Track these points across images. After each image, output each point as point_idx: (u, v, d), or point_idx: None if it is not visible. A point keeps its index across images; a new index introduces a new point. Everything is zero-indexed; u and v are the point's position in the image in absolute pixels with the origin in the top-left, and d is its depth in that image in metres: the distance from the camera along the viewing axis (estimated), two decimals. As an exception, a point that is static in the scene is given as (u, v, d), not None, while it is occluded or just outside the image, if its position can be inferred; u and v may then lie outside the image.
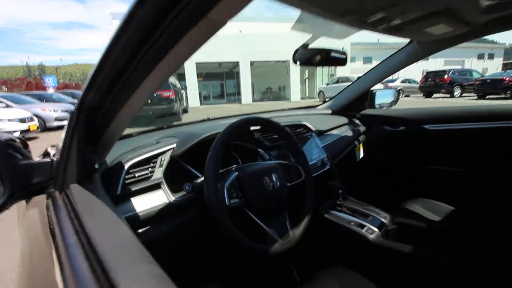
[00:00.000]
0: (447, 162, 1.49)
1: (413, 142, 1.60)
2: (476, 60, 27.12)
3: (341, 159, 1.39)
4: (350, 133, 1.57)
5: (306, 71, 20.15)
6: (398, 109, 1.74)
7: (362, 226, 0.97)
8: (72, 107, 8.04)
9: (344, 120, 1.65)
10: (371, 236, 0.92)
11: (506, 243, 0.82)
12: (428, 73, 13.91)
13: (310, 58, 0.94)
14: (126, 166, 0.71)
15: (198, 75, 15.35)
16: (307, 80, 20.84)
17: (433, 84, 13.28)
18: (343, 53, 1.04)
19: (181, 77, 14.31)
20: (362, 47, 23.82)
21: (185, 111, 10.26)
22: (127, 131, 1.13)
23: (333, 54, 1.01)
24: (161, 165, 0.78)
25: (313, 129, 1.31)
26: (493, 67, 25.48)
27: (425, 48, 1.28)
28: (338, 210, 1.08)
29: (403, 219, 1.04)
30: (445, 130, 1.45)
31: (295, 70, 15.80)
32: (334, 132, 1.48)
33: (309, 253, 1.03)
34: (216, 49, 13.42)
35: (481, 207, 1.32)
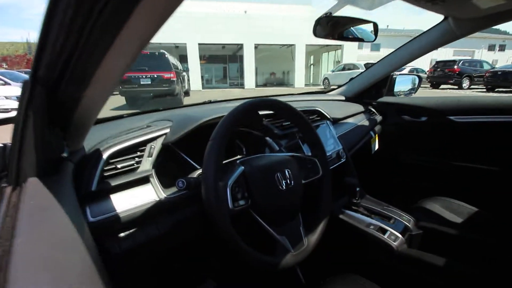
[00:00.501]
0: (475, 159, 1.34)
1: (436, 135, 1.45)
2: (487, 51, 26.28)
3: (356, 152, 1.25)
4: (366, 123, 1.42)
5: (312, 57, 19.59)
6: (419, 97, 1.58)
7: (384, 231, 0.85)
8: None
9: (359, 108, 1.49)
10: (395, 244, 0.80)
11: None
12: (438, 62, 13.49)
13: (334, 28, 0.77)
14: (105, 155, 0.57)
15: (201, 57, 14.91)
16: (312, 66, 20.32)
17: (441, 74, 12.89)
18: (375, 24, 0.87)
19: (183, 59, 13.92)
20: (370, 34, 23.04)
21: (187, 93, 10.03)
22: (118, 112, 0.99)
23: (360, 27, 0.84)
24: (150, 155, 0.64)
25: (328, 116, 1.16)
26: (503, 59, 24.76)
27: (462, 26, 1.10)
28: (354, 210, 0.95)
29: (429, 223, 0.91)
30: (475, 122, 1.30)
31: (300, 55, 15.31)
32: (350, 120, 1.33)
33: (319, 256, 0.91)
34: (220, 28, 12.97)
35: (508, 211, 1.19)
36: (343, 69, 12.76)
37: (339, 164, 1.03)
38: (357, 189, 0.93)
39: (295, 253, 0.60)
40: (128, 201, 0.58)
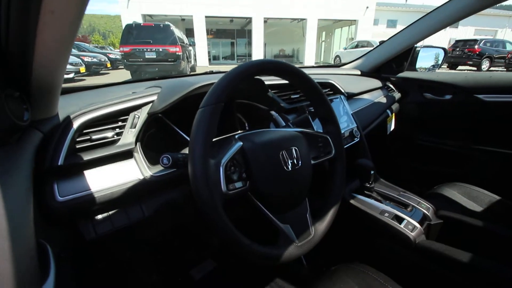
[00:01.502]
0: (502, 143, 1.21)
1: (461, 115, 1.31)
2: (509, 31, 24.60)
3: (370, 131, 1.13)
4: (383, 100, 1.28)
5: (323, 33, 18.69)
6: (445, 73, 1.42)
7: (400, 220, 0.75)
8: (77, 60, 7.68)
9: (376, 83, 1.35)
10: (412, 234, 0.71)
11: None
12: (457, 41, 12.67)
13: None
14: (76, 124, 0.47)
15: (208, 31, 14.35)
16: (323, 43, 19.45)
17: (460, 54, 12.16)
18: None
19: (190, 33, 13.43)
20: (387, 8, 21.68)
21: (193, 69, 9.77)
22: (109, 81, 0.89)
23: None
24: (133, 126, 0.55)
25: (342, 90, 1.03)
26: (529, 40, 23.21)
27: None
28: (367, 195, 0.85)
29: (450, 212, 0.81)
30: (508, 102, 1.15)
31: (311, 30, 14.57)
32: (365, 96, 1.20)
33: (325, 244, 0.84)
34: (228, 0, 12.33)
35: None
36: (356, 46, 12.14)
37: (352, 144, 0.92)
38: (372, 172, 0.82)
39: (300, 243, 0.52)
40: (106, 179, 0.49)
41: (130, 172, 0.52)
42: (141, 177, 0.52)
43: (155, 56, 7.22)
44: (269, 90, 0.78)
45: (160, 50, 7.22)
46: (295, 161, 0.53)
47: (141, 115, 0.56)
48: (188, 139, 0.59)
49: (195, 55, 11.13)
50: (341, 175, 0.64)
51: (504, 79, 1.20)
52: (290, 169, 0.52)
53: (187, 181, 0.46)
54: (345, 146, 0.88)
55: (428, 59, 1.49)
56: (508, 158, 1.20)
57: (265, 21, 14.23)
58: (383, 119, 1.27)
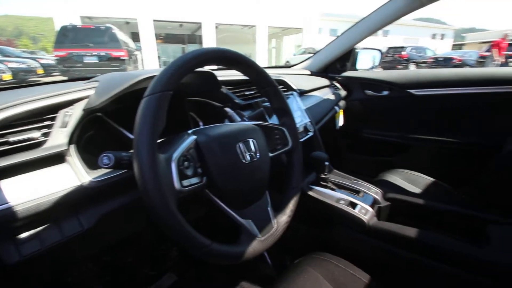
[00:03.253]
0: (432, 131, 1.38)
1: (397, 109, 1.46)
2: (430, 39, 28.78)
3: (322, 126, 1.19)
4: (331, 97, 1.36)
5: (273, 40, 19.41)
6: (381, 72, 1.57)
7: (354, 205, 0.80)
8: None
9: (324, 81, 1.43)
10: (366, 218, 0.75)
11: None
12: (389, 48, 14.35)
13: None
14: None
15: (157, 36, 13.72)
16: (274, 50, 20.17)
17: (392, 60, 13.78)
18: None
19: (136, 37, 12.66)
20: (329, 18, 23.55)
21: (141, 75, 9.20)
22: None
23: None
24: (64, 125, 0.47)
25: (294, 87, 1.06)
26: (443, 47, 27.37)
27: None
28: (323, 185, 0.88)
29: (395, 194, 0.89)
30: (434, 95, 1.32)
31: (261, 37, 15.01)
32: (315, 94, 1.26)
33: (287, 238, 0.84)
34: (177, 4, 11.98)
35: (462, 181, 1.26)
36: (304, 53, 12.89)
37: (307, 138, 0.95)
38: (326, 163, 0.86)
39: (263, 238, 0.50)
40: (30, 188, 0.41)
41: (63, 178, 0.45)
42: (77, 184, 0.45)
43: (96, 61, 6.62)
44: (223, 86, 0.76)
45: (103, 54, 6.66)
46: (253, 153, 0.51)
47: (74, 113, 0.49)
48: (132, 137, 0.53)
49: (142, 61, 10.53)
50: (298, 167, 0.65)
51: (428, 75, 1.37)
52: (248, 161, 0.50)
53: (136, 184, 0.41)
54: (300, 140, 0.91)
55: (366, 60, 1.64)
56: (437, 144, 1.38)
57: (216, 26, 14.21)
58: (332, 115, 1.34)
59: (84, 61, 6.56)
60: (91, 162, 0.50)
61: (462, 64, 11.25)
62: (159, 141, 0.40)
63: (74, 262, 0.51)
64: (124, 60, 6.87)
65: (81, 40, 6.52)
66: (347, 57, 1.51)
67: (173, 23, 14.14)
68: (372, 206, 0.82)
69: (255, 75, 0.58)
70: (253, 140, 0.52)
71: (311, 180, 0.92)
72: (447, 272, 0.63)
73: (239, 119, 0.73)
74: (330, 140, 1.59)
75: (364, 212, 0.77)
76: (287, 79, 1.08)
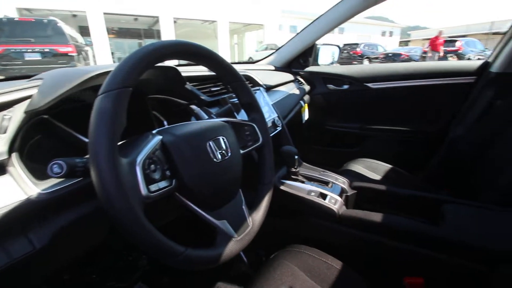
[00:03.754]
0: (389, 121, 1.49)
1: (357, 102, 1.55)
2: (380, 36, 31.05)
3: (289, 121, 1.21)
4: (296, 91, 1.39)
5: (235, 36, 19.27)
6: (341, 66, 1.65)
7: (324, 196, 0.82)
8: None
9: (289, 77, 1.46)
10: (336, 207, 0.78)
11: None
12: (345, 45, 15.16)
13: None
14: None
15: (109, 30, 12.70)
16: (236, 46, 20.04)
17: (348, 56, 14.60)
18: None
19: (86, 32, 11.58)
20: (289, 16, 24.07)
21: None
22: None
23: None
24: (3, 130, 0.40)
25: (261, 82, 1.06)
26: (392, 44, 29.71)
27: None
28: (294, 179, 0.90)
29: (360, 182, 0.94)
30: (388, 88, 1.42)
31: (223, 33, 14.79)
32: (281, 89, 1.27)
33: (262, 233, 0.85)
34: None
35: (417, 166, 1.38)
36: (266, 49, 13.01)
37: (276, 132, 0.96)
38: (296, 157, 0.87)
39: (239, 238, 0.49)
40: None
41: (4, 192, 0.38)
42: (24, 197, 0.39)
43: (39, 58, 5.92)
44: (187, 82, 0.73)
45: (47, 50, 5.98)
46: (224, 151, 0.50)
47: (14, 116, 0.42)
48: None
49: (94, 57, 9.71)
50: (270, 162, 0.64)
51: (382, 70, 1.47)
52: (220, 160, 0.48)
53: (95, 192, 0.37)
54: (270, 135, 0.91)
55: (327, 55, 1.70)
56: (392, 133, 1.49)
57: (175, 21, 13.63)
58: (298, 109, 1.37)
59: (25, 58, 5.82)
60: (39, 172, 0.44)
61: (409, 59, 12.36)
62: (119, 143, 0.36)
63: (28, 286, 0.45)
64: (72, 56, 6.25)
65: (20, 35, 5.77)
66: (309, 53, 1.55)
67: (126, 17, 13.23)
68: (340, 195, 0.85)
69: (222, 69, 0.56)
70: (224, 137, 0.50)
71: (282, 175, 0.93)
72: (410, 250, 0.68)
73: (206, 116, 0.71)
74: (298, 133, 1.63)
75: (333, 202, 0.80)
76: (252, 74, 1.07)
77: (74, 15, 12.12)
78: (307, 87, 1.57)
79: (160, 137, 0.42)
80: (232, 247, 0.47)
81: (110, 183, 0.32)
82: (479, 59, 1.25)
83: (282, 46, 1.58)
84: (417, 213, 0.83)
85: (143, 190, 0.36)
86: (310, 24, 1.44)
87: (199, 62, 0.52)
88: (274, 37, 15.95)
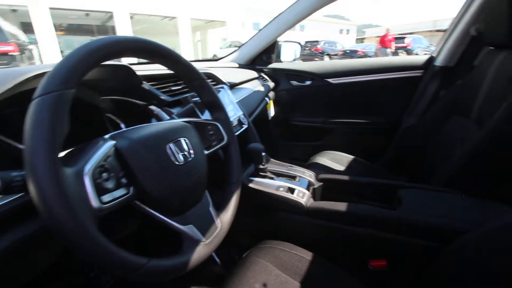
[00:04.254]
0: (349, 115, 1.57)
1: (319, 97, 1.60)
2: (338, 34, 32.62)
3: (255, 118, 1.21)
4: (261, 88, 1.40)
5: (198, 33, 18.80)
6: (303, 63, 1.70)
7: (292, 190, 0.84)
8: None
9: (253, 74, 1.46)
10: (304, 200, 0.80)
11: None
12: (306, 42, 15.66)
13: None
14: None
15: (56, 27, 11.55)
16: (199, 43, 19.57)
17: (309, 52, 15.11)
18: None
19: (29, 28, 10.40)
20: (252, 13, 24.15)
21: (40, 74, 7.67)
22: None
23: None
24: None
25: (224, 80, 1.04)
26: (349, 41, 31.40)
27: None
28: (262, 176, 0.90)
29: (325, 174, 0.97)
30: (347, 83, 1.49)
31: (184, 29, 14.32)
32: (245, 86, 1.27)
33: (233, 233, 0.84)
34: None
35: (376, 155, 1.47)
36: (230, 46, 12.92)
37: (242, 130, 0.95)
38: (263, 153, 0.87)
39: (207, 241, 0.47)
40: None
41: None
42: None
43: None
44: (144, 82, 0.69)
45: (-20, 49, 5.27)
46: (186, 153, 0.47)
47: None
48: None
49: (40, 56, 8.79)
50: (237, 161, 0.64)
51: (341, 65, 1.54)
52: (182, 162, 0.46)
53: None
54: (236, 134, 0.90)
55: (289, 52, 1.73)
56: (353, 125, 1.57)
57: (131, 17, 12.86)
58: (264, 106, 1.38)
59: (-49, 59, 5.08)
60: None
61: (364, 55, 13.16)
62: (64, 152, 0.33)
63: None
64: (14, 56, 5.58)
65: None
66: (272, 50, 1.57)
67: (76, 12, 12.15)
68: (307, 188, 0.88)
69: (180, 68, 0.54)
70: (185, 138, 0.48)
71: (250, 172, 0.93)
72: (373, 235, 0.72)
73: (167, 117, 0.67)
74: (264, 130, 1.65)
75: (301, 195, 0.82)
76: (215, 72, 1.05)
77: (14, 10, 10.82)
78: (271, 84, 1.58)
79: (113, 142, 0.39)
80: (201, 252, 0.45)
81: (52, 198, 0.28)
82: (425, 54, 1.39)
83: (244, 43, 1.57)
84: (377, 199, 0.88)
85: (94, 202, 0.33)
86: (271, 21, 1.45)
87: (153, 60, 0.48)
88: (238, 34, 15.89)
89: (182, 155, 0.46)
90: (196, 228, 0.47)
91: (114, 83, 0.62)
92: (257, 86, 1.38)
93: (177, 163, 0.45)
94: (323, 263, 0.67)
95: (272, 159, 1.04)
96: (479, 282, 0.46)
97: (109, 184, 0.36)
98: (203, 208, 0.51)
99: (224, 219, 0.54)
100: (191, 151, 0.48)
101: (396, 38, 11.25)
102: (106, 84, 0.60)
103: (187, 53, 14.71)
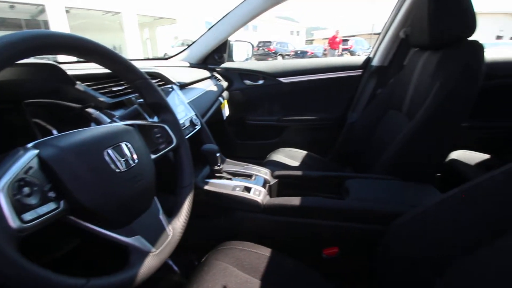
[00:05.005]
0: (300, 112, 1.64)
1: (272, 95, 1.64)
2: (289, 35, 33.95)
3: (209, 118, 1.19)
4: (214, 88, 1.38)
5: (147, 29, 17.74)
6: (255, 62, 1.72)
7: (249, 189, 0.84)
8: None
9: (205, 73, 1.43)
10: (260, 198, 0.81)
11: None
12: (259, 42, 15.96)
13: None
14: None
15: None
16: (148, 41, 18.48)
17: (263, 52, 15.44)
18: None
19: None
20: (205, 10, 23.67)
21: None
22: None
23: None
24: None
25: (173, 80, 0.99)
26: (299, 42, 32.89)
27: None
28: (218, 177, 0.89)
29: (280, 171, 1.00)
30: (297, 82, 1.55)
31: (131, 26, 13.37)
32: (197, 86, 1.23)
33: (190, 237, 0.81)
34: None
35: (327, 149, 1.56)
36: (182, 44, 12.49)
37: (195, 132, 0.92)
38: (218, 154, 0.86)
39: (158, 251, 0.45)
40: None
41: None
42: None
43: None
44: (78, 82, 0.62)
45: None
46: (128, 159, 0.44)
47: None
48: None
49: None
50: (188, 163, 0.61)
51: (291, 65, 1.60)
52: (124, 169, 0.42)
53: None
54: (188, 135, 0.87)
55: (241, 51, 1.74)
56: (304, 122, 1.65)
57: (67, 11, 11.54)
58: (218, 106, 1.36)
59: None
60: None
61: (314, 56, 13.94)
62: None
63: None
64: None
65: None
66: (223, 49, 1.55)
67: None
68: (263, 186, 0.89)
69: (119, 67, 0.49)
70: (127, 143, 0.44)
71: (206, 174, 0.91)
72: (325, 225, 0.76)
73: (108, 120, 0.62)
74: (219, 131, 1.63)
75: (258, 193, 0.83)
76: (164, 71, 1.00)
77: None
78: (225, 84, 1.57)
79: (36, 151, 0.34)
80: (150, 263, 0.42)
81: None
82: (365, 55, 1.55)
83: (194, 42, 1.53)
84: (329, 191, 0.94)
85: (13, 221, 0.28)
86: (220, 19, 1.44)
87: (85, 58, 0.44)
88: (191, 33, 15.43)
89: (123, 161, 0.42)
90: (145, 238, 0.44)
91: (41, 85, 0.55)
92: (209, 86, 1.35)
93: (117, 170, 0.41)
94: (281, 257, 0.68)
95: (228, 159, 1.03)
96: (415, 254, 0.53)
97: (32, 200, 0.31)
98: (152, 216, 0.48)
99: (177, 225, 0.51)
100: (134, 156, 0.45)
101: (342, 41, 12.16)
102: (30, 85, 0.53)
103: (135, 52, 13.77)
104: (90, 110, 0.62)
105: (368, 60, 1.52)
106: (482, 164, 1.29)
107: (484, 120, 1.47)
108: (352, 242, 0.77)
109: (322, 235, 0.78)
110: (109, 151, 0.41)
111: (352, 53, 12.79)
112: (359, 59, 1.56)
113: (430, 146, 0.89)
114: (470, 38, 0.86)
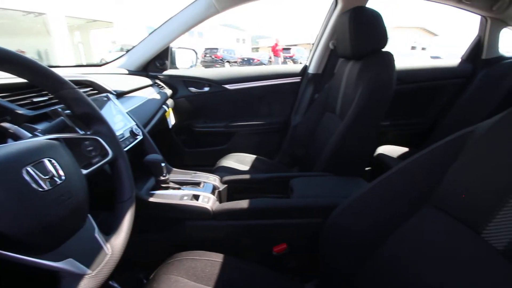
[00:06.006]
0: (247, 117, 1.69)
1: (218, 102, 1.65)
2: (235, 42, 34.49)
3: (153, 128, 1.14)
4: (157, 96, 1.33)
5: (78, 32, 16.03)
6: (200, 70, 1.71)
7: (197, 197, 0.83)
8: None
9: (146, 81, 1.37)
10: (209, 205, 0.81)
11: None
12: (206, 49, 15.87)
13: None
14: None
15: None
16: (80, 45, 16.71)
17: (210, 59, 15.38)
18: None
19: None
20: (145, 15, 22.46)
21: None
22: None
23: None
24: None
25: (109, 89, 0.93)
26: (245, 50, 33.64)
27: (222, 3, 1.25)
28: (164, 187, 0.86)
29: (229, 176, 1.02)
30: (243, 88, 1.60)
31: (58, 29, 11.92)
32: (138, 94, 1.18)
33: (136, 254, 0.76)
34: None
35: (274, 152, 1.64)
36: (121, 50, 11.64)
37: (136, 142, 0.88)
38: (162, 164, 0.83)
39: (94, 272, 0.41)
40: None
41: None
42: None
43: None
44: None
45: None
46: (53, 176, 0.40)
47: None
48: None
49: None
50: (127, 176, 0.58)
51: (236, 72, 1.65)
52: (48, 188, 0.38)
53: None
54: (128, 146, 0.82)
55: (185, 58, 1.72)
56: (252, 127, 1.70)
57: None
58: (162, 115, 1.32)
59: None
60: None
61: (260, 63, 14.43)
62: None
63: None
64: None
65: None
66: (165, 56, 1.51)
67: None
68: (212, 192, 0.89)
69: (38, 77, 0.45)
70: (50, 159, 0.41)
71: (151, 186, 0.87)
72: (274, 224, 0.80)
73: (29, 135, 0.55)
74: (166, 140, 1.57)
75: (206, 200, 0.83)
76: (97, 79, 0.93)
77: None
78: (168, 91, 1.53)
79: None
80: (86, 286, 0.39)
81: None
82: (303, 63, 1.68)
83: (133, 48, 1.46)
84: (276, 191, 0.99)
85: None
86: (161, 25, 1.40)
87: None
88: (131, 38, 14.49)
89: (47, 179, 0.39)
90: (78, 260, 0.40)
91: None
92: (151, 94, 1.30)
93: (40, 189, 0.37)
94: (234, 261, 0.69)
95: (175, 169, 1.00)
96: (351, 238, 0.61)
97: None
98: (86, 235, 0.44)
99: (116, 243, 0.48)
100: (61, 173, 0.41)
101: (284, 49, 12.88)
102: None
103: (65, 57, 12.29)
104: (6, 124, 0.55)
105: (305, 68, 1.65)
106: (403, 156, 1.51)
107: (403, 118, 1.72)
108: (298, 236, 0.82)
109: (271, 233, 0.82)
110: (29, 169, 0.37)
111: (294, 61, 13.64)
112: (298, 67, 1.68)
113: (357, 144, 1.02)
114: (384, 49, 1.01)
